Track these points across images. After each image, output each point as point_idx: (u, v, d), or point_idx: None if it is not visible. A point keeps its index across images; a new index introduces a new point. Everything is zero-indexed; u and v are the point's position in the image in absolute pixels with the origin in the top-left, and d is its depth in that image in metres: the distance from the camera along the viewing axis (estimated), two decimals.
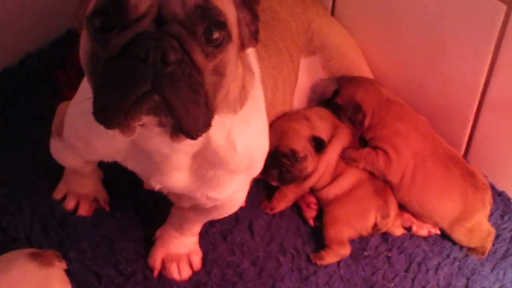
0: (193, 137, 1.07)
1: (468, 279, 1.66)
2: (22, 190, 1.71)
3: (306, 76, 1.80)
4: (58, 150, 1.50)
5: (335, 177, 1.71)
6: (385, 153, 1.70)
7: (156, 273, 1.62)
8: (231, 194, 1.38)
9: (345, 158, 1.71)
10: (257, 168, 1.40)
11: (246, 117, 1.25)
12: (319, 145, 1.67)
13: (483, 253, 1.69)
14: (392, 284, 1.65)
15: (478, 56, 1.61)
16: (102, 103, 1.03)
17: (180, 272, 1.62)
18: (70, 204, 1.67)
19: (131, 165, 1.35)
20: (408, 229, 1.72)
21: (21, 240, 1.62)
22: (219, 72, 1.08)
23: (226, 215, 1.54)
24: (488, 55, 1.59)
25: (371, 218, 1.67)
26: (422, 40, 1.72)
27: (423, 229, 1.72)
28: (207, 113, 1.07)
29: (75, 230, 1.66)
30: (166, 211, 1.64)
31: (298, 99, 1.79)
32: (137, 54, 0.99)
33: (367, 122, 1.75)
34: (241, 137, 1.26)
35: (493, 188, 1.77)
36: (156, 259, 1.62)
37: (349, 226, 1.66)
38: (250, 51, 1.35)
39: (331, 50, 1.80)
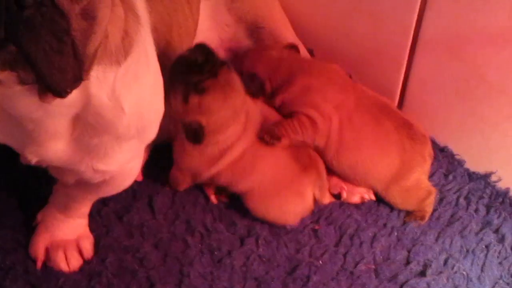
0: (61, 94, 1.01)
1: (409, 251, 1.57)
2: None
3: (209, 21, 1.72)
4: None
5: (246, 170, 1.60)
6: (307, 115, 1.61)
7: (39, 264, 1.50)
8: (122, 164, 1.29)
9: (268, 138, 1.59)
10: (151, 131, 1.31)
11: (133, 69, 1.17)
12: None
13: (422, 218, 1.62)
14: (320, 262, 1.54)
15: None
16: None
17: (68, 262, 1.50)
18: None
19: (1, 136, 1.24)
20: (337, 196, 1.65)
21: None
22: (89, 16, 1.01)
23: (120, 190, 1.44)
24: None
25: (309, 197, 1.59)
26: None
27: (354, 195, 1.65)
28: (76, 64, 1.00)
29: None
30: (48, 190, 1.53)
31: None
32: None
33: (268, 88, 1.67)
34: (129, 94, 1.17)
35: (433, 143, 1.70)
36: (39, 248, 1.51)
37: (288, 214, 1.59)
38: None
39: None
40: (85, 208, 1.50)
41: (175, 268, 1.51)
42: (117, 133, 1.20)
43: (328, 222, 1.60)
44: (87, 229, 1.54)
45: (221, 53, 1.73)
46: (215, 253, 1.54)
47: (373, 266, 1.53)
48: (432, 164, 1.68)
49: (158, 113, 1.30)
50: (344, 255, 1.55)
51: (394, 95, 1.78)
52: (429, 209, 1.62)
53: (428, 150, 1.63)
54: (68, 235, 1.51)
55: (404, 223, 1.62)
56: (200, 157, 1.55)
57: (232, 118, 1.53)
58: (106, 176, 1.31)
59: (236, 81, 1.53)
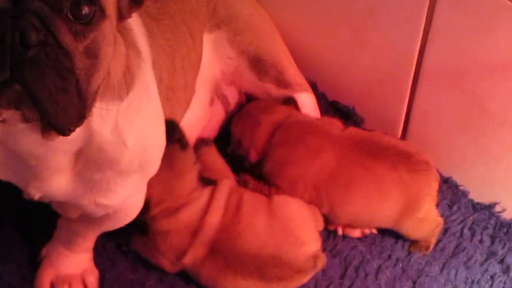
0: (64, 132, 1.00)
1: (414, 283, 1.57)
2: None
3: (212, 54, 1.70)
4: None
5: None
6: (277, 188, 1.61)
7: None
8: (124, 199, 1.28)
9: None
10: (154, 166, 1.31)
11: (135, 104, 1.17)
12: None
13: (427, 249, 1.61)
14: None
15: (411, 20, 1.57)
16: None
17: None
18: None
19: (1, 174, 1.23)
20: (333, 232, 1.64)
21: None
22: (92, 54, 1.00)
23: (123, 224, 1.43)
24: (422, 18, 1.55)
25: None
26: (347, 6, 1.68)
27: (355, 231, 1.63)
28: (80, 103, 0.99)
29: None
30: (52, 225, 1.52)
31: (204, 83, 1.69)
32: None
33: (253, 156, 1.67)
34: (131, 129, 1.17)
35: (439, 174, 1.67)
36: (44, 283, 1.50)
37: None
38: (137, 27, 1.27)
39: (238, 23, 1.71)
40: (89, 243, 1.49)
41: None
42: (119, 168, 1.20)
43: (333, 254, 1.59)
44: (92, 264, 1.53)
45: (224, 87, 1.73)
46: None
47: None
48: (436, 195, 1.67)
49: (160, 146, 1.30)
50: (350, 287, 1.55)
51: (397, 127, 1.76)
52: (434, 239, 1.60)
53: (434, 176, 1.59)
54: (73, 269, 1.50)
55: (409, 254, 1.60)
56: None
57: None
58: (109, 210, 1.31)
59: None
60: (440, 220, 1.61)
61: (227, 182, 1.56)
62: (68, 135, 1.01)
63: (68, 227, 1.46)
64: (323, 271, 1.55)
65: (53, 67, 0.94)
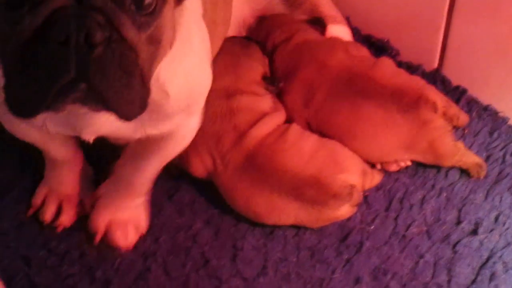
0: (128, 120, 1.04)
1: (459, 211, 1.61)
2: None
3: None
4: (1, 114, 1.38)
5: None
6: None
7: (98, 238, 1.54)
8: (174, 127, 1.33)
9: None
10: (198, 104, 1.35)
11: (177, 56, 1.18)
12: None
13: (478, 173, 1.65)
14: (372, 227, 1.58)
15: None
16: (17, 93, 0.97)
17: (126, 238, 1.54)
18: (49, 209, 1.57)
19: (52, 127, 1.27)
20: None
21: None
22: (155, 41, 1.04)
23: (180, 149, 1.46)
24: None
25: None
26: None
27: (391, 165, 1.66)
28: (144, 92, 1.03)
29: None
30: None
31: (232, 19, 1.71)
32: (56, 37, 0.92)
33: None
34: (174, 79, 1.20)
35: (476, 102, 1.73)
36: (99, 225, 1.54)
37: None
38: None
39: None
40: (144, 186, 1.53)
41: (228, 243, 1.55)
42: (165, 112, 1.24)
43: (377, 187, 1.63)
44: (145, 208, 1.57)
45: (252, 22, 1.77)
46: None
47: (425, 228, 1.57)
48: (476, 123, 1.71)
49: (205, 86, 1.32)
50: (395, 219, 1.58)
51: (433, 58, 1.77)
52: (467, 161, 1.63)
53: (426, 111, 1.59)
54: (127, 213, 1.54)
55: (452, 183, 1.64)
56: None
57: None
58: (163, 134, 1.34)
59: None
60: (460, 144, 1.64)
61: (283, 113, 1.62)
62: (130, 121, 1.05)
63: (125, 168, 1.50)
64: (368, 204, 1.60)
65: (118, 64, 0.96)
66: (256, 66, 1.66)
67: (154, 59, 1.05)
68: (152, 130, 1.28)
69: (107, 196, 1.55)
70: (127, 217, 1.54)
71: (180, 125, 1.34)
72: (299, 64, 1.67)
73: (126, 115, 1.01)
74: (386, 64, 1.67)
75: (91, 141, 1.28)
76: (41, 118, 1.17)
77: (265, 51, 1.72)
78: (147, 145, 1.40)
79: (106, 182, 1.56)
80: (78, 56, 0.93)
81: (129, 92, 0.98)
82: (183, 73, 1.22)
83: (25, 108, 0.98)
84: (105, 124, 1.22)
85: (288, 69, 1.68)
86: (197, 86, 1.29)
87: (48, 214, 1.55)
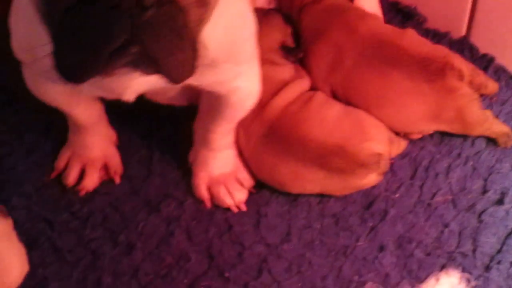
0: (178, 83, 1.04)
1: (485, 180, 1.60)
2: None
3: None
4: (28, 78, 1.38)
5: None
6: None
7: (208, 203, 1.56)
8: (219, 83, 1.32)
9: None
10: (246, 52, 1.33)
11: (219, 10, 1.16)
12: None
13: (505, 143, 1.64)
14: (397, 195, 1.58)
15: None
16: (67, 59, 0.97)
17: (232, 195, 1.56)
18: (73, 172, 1.57)
19: (89, 89, 1.27)
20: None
21: None
22: (203, 3, 1.04)
23: (242, 112, 1.45)
24: None
25: None
26: None
27: (415, 134, 1.66)
28: (193, 55, 1.03)
29: (15, 171, 1.57)
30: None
31: None
32: (107, 1, 0.92)
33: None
34: (215, 31, 1.17)
35: (504, 70, 1.73)
36: (201, 189, 1.57)
37: None
38: None
39: None
40: (224, 140, 1.53)
41: (252, 209, 1.56)
42: (207, 62, 1.21)
43: (402, 155, 1.62)
44: (238, 160, 1.58)
45: None
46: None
47: (450, 197, 1.57)
48: (504, 92, 1.70)
49: (248, 33, 1.31)
50: (420, 187, 1.58)
51: (461, 24, 1.76)
52: (495, 130, 1.63)
53: (453, 79, 1.58)
54: (223, 168, 1.56)
55: (479, 152, 1.63)
56: None
57: None
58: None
59: None
60: (488, 112, 1.63)
61: (306, 79, 1.61)
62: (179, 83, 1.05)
63: (201, 127, 1.51)
64: (393, 172, 1.60)
65: (169, 26, 0.96)
66: (274, 34, 1.64)
67: (202, 21, 1.04)
68: (195, 81, 1.25)
69: (197, 159, 1.57)
70: (224, 173, 1.56)
71: (231, 86, 1.33)
72: (328, 25, 1.66)
73: (176, 78, 1.02)
74: (412, 35, 1.65)
75: (131, 100, 1.27)
76: None
77: (289, 20, 1.70)
78: (210, 107, 1.41)
79: (193, 147, 1.58)
80: (130, 19, 0.93)
81: (180, 54, 0.98)
82: (224, 26, 1.20)
83: (76, 73, 0.98)
84: (146, 82, 1.21)
85: (317, 29, 1.67)
86: (238, 34, 1.27)
87: (71, 178, 1.55)
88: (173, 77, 1.01)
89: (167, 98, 1.47)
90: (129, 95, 1.24)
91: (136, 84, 1.20)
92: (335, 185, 1.52)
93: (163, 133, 1.64)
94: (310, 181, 1.52)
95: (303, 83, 1.60)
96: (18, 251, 1.40)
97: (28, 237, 1.47)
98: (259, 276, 1.48)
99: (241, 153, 1.57)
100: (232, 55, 1.26)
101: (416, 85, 1.58)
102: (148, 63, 0.97)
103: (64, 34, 0.96)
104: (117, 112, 1.53)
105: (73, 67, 0.97)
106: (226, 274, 1.48)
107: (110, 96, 1.30)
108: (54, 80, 1.28)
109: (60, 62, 0.98)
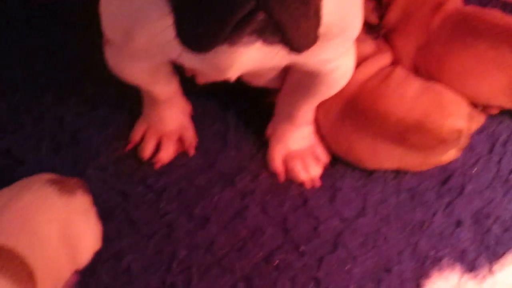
0: (300, 52, 1.01)
1: None
2: (21, 103, 1.63)
3: None
4: (111, 57, 1.38)
5: None
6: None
7: (283, 177, 1.57)
8: (324, 62, 1.30)
9: None
10: (353, 29, 1.29)
11: None
12: None
13: None
14: (474, 170, 1.58)
15: None
16: (191, 28, 0.95)
17: (307, 171, 1.56)
18: (148, 145, 1.58)
19: (189, 61, 1.25)
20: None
21: (29, 162, 1.56)
22: None
23: (333, 90, 1.43)
24: None
25: None
26: None
27: (493, 108, 1.64)
28: (317, 23, 1.00)
29: (91, 144, 1.58)
30: None
31: None
32: None
33: None
34: (328, 3, 1.12)
35: None
36: (277, 162, 1.57)
37: None
38: None
39: None
40: (308, 116, 1.53)
41: (327, 183, 1.56)
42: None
43: (479, 130, 1.60)
44: (316, 137, 1.58)
45: None
46: None
47: None
48: None
49: (359, 10, 1.27)
50: (498, 163, 1.58)
51: None
52: None
53: None
54: (300, 144, 1.56)
55: None
56: None
57: None
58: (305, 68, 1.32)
59: None
60: None
61: (387, 54, 1.60)
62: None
63: (285, 104, 1.51)
64: (470, 147, 1.58)
65: None
66: None
67: None
68: (300, 58, 1.23)
69: (276, 132, 1.57)
70: (301, 149, 1.56)
71: (333, 64, 1.31)
72: (418, 7, 1.64)
73: (299, 47, 0.99)
74: (495, 11, 1.64)
75: (233, 79, 1.26)
76: (178, 51, 1.16)
77: None
78: (301, 84, 1.39)
79: (272, 120, 1.57)
80: None
81: (305, 22, 0.96)
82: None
83: (201, 42, 0.96)
84: (252, 60, 1.20)
85: (406, 10, 1.65)
86: (349, 8, 1.24)
87: (147, 151, 1.57)
88: (297, 46, 0.99)
89: (264, 81, 1.46)
90: (233, 73, 1.22)
91: (241, 62, 1.18)
92: (413, 161, 1.51)
93: (238, 106, 1.63)
94: (387, 157, 1.51)
95: (384, 59, 1.59)
96: (94, 228, 1.42)
97: (104, 209, 1.48)
98: (334, 250, 1.49)
99: (318, 128, 1.57)
100: (343, 30, 1.24)
101: (500, 55, 1.56)
102: (274, 31, 0.95)
103: (188, 3, 0.95)
104: (192, 85, 1.52)
105: (198, 36, 0.95)
106: (301, 248, 1.49)
107: (211, 73, 1.30)
108: (138, 59, 1.31)
109: (183, 32, 0.97)
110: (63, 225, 1.33)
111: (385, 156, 1.52)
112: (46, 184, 1.35)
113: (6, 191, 1.35)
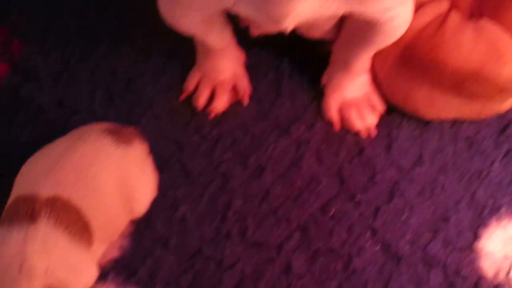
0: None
1: None
2: (74, 53, 1.63)
3: None
4: (165, 7, 1.37)
5: None
6: None
7: (338, 126, 1.56)
8: (383, 10, 1.27)
9: None
10: None
11: None
12: None
13: None
14: None
15: None
16: None
17: (363, 120, 1.56)
18: (203, 95, 1.57)
19: (244, 10, 1.22)
20: None
21: (82, 111, 1.57)
22: None
23: (391, 39, 1.40)
24: None
25: None
26: None
27: None
28: None
29: (144, 93, 1.58)
30: None
31: None
32: None
33: None
34: None
35: None
36: (332, 111, 1.57)
37: None
38: None
39: None
40: (364, 65, 1.52)
41: (383, 132, 1.55)
42: None
43: None
44: (371, 86, 1.57)
45: None
46: None
47: None
48: None
49: None
50: None
51: None
52: None
53: None
54: (356, 92, 1.55)
55: None
56: None
57: None
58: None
59: None
60: None
61: (445, 1, 1.57)
62: None
63: (342, 53, 1.50)
64: None
65: None
66: None
67: None
68: (358, 7, 1.23)
69: (331, 80, 1.55)
70: (357, 98, 1.55)
71: (392, 13, 1.28)
72: None
73: None
74: None
75: (289, 30, 1.23)
76: None
77: None
78: (358, 33, 1.38)
79: (328, 68, 1.56)
80: None
81: None
82: None
83: None
84: (308, 8, 1.17)
85: None
86: None
87: (201, 100, 1.56)
88: None
89: (319, 33, 1.45)
90: (288, 23, 1.19)
91: (298, 11, 1.16)
92: (472, 111, 1.49)
93: (293, 55, 1.62)
94: (445, 107, 1.50)
95: (440, 5, 1.56)
96: (150, 178, 1.42)
97: (159, 159, 1.48)
98: (391, 200, 1.49)
99: (374, 77, 1.55)
100: None
101: None
102: None
103: None
104: (246, 35, 1.51)
105: None
106: (357, 198, 1.49)
107: (266, 24, 1.28)
108: (192, 9, 1.29)
109: None
110: (119, 176, 1.34)
111: (442, 106, 1.50)
112: (103, 134, 1.36)
113: (62, 141, 1.37)
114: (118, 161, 1.35)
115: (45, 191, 1.27)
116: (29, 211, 1.25)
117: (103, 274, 1.39)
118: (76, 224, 1.28)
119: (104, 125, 1.40)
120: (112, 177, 1.33)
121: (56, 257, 1.24)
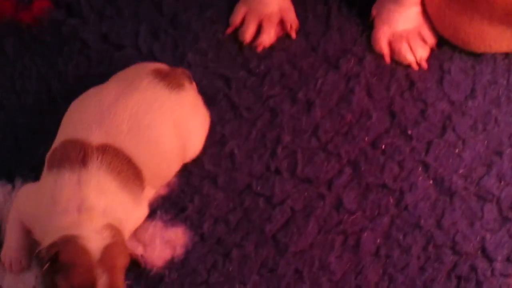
0: None
1: None
2: None
3: None
4: None
5: None
6: None
7: (388, 58, 1.54)
8: None
9: None
10: None
11: None
12: None
13: None
14: None
15: None
16: None
17: (414, 52, 1.53)
18: (249, 28, 1.55)
19: None
20: None
21: (127, 47, 1.55)
22: None
23: None
24: None
25: None
26: None
27: None
28: None
29: (190, 28, 1.56)
30: None
31: None
32: None
33: None
34: None
35: None
36: (382, 43, 1.55)
37: None
38: None
39: None
40: None
41: (434, 65, 1.53)
42: None
43: None
44: (423, 18, 1.55)
45: None
46: None
47: None
48: None
49: None
50: None
51: None
52: None
53: None
54: (406, 24, 1.53)
55: None
56: None
57: None
58: None
59: None
60: None
61: None
62: None
63: None
64: None
65: None
66: None
67: None
68: None
69: (381, 12, 1.54)
70: (408, 30, 1.53)
71: None
72: None
73: None
74: None
75: None
76: None
77: None
78: None
79: (378, 0, 1.54)
80: None
81: None
82: None
83: None
84: None
85: None
86: None
87: (248, 34, 1.54)
88: None
89: None
90: None
91: None
92: None
93: None
94: (496, 40, 1.47)
95: None
96: (203, 119, 1.42)
97: (206, 95, 1.47)
98: (443, 133, 1.47)
99: (425, 10, 1.52)
100: None
101: None
102: None
103: None
104: None
105: None
106: (409, 132, 1.48)
107: None
108: None
109: None
110: (174, 124, 1.33)
111: (493, 39, 1.48)
112: (155, 80, 1.34)
113: (112, 86, 1.35)
114: (172, 109, 1.33)
115: (96, 138, 1.26)
116: (80, 156, 1.25)
117: (151, 212, 1.38)
118: (128, 171, 1.28)
119: (154, 65, 1.39)
120: (166, 126, 1.33)
121: (111, 198, 1.24)
